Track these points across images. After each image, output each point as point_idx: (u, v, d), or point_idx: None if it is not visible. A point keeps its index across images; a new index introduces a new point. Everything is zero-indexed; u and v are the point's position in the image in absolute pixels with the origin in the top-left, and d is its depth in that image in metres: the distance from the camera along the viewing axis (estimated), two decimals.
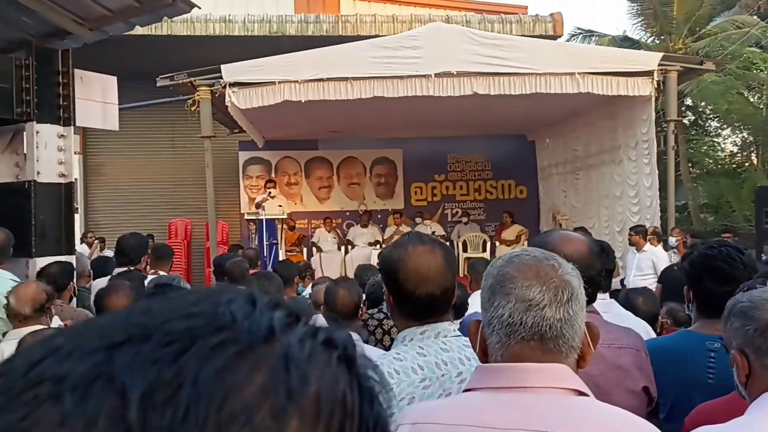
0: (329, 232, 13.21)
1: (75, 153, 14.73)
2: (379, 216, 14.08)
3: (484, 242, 13.20)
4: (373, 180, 14.56)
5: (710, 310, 2.05)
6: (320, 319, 0.44)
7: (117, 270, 4.15)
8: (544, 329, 1.12)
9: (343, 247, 12.82)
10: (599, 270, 1.95)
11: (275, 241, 9.94)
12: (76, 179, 14.73)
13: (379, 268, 1.76)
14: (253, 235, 10.81)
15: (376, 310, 3.23)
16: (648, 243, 8.53)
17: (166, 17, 4.27)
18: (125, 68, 11.47)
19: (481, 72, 8.80)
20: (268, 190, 11.46)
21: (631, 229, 9.08)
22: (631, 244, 8.68)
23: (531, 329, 1.13)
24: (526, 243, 12.65)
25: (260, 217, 10.32)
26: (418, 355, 1.59)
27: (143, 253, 4.32)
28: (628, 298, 3.19)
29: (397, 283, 1.64)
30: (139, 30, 11.99)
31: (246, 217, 11.20)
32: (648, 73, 9.04)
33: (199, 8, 4.15)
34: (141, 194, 14.78)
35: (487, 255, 12.52)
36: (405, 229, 13.13)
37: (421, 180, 14.59)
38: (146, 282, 3.71)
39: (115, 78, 4.72)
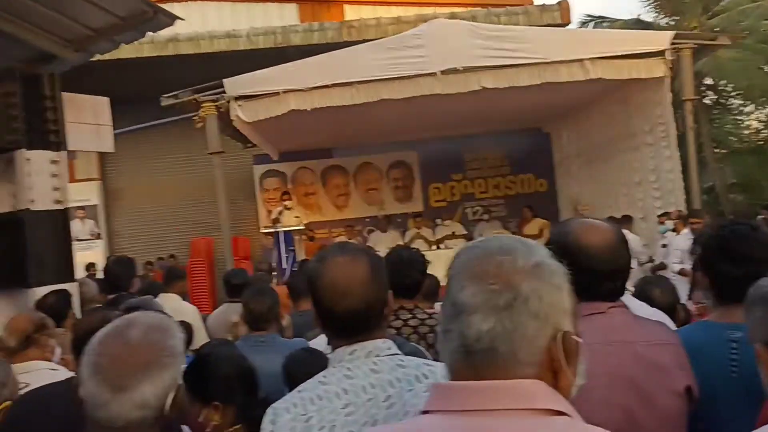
0: (350, 239, 13.08)
1: (94, 179, 14.89)
2: (398, 220, 13.90)
3: None
4: (391, 184, 14.42)
5: (729, 296, 1.85)
6: None
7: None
8: (470, 341, 0.93)
9: None
10: (628, 260, 1.76)
11: (292, 248, 9.83)
12: (96, 205, 14.94)
13: None
14: (271, 249, 10.72)
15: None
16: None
17: (149, 32, 4.16)
18: (135, 91, 11.57)
19: (487, 66, 8.60)
20: (284, 203, 11.39)
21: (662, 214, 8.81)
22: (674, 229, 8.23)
23: (457, 339, 0.94)
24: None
25: (277, 230, 10.24)
26: (344, 378, 1.44)
27: (131, 275, 4.22)
28: (644, 289, 2.98)
29: (317, 299, 1.50)
30: (145, 52, 12.15)
31: (262, 230, 11.11)
32: (660, 53, 8.76)
33: (182, 20, 4.05)
34: (162, 215, 14.82)
35: None
36: (426, 231, 12.96)
37: (439, 180, 14.41)
38: None
39: (107, 99, 4.63)
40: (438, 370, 1.46)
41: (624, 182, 11.03)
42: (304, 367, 2.21)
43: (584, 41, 9.05)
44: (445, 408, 0.94)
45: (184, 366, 1.36)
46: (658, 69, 8.80)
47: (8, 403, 2.24)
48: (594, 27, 20.10)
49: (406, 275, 2.99)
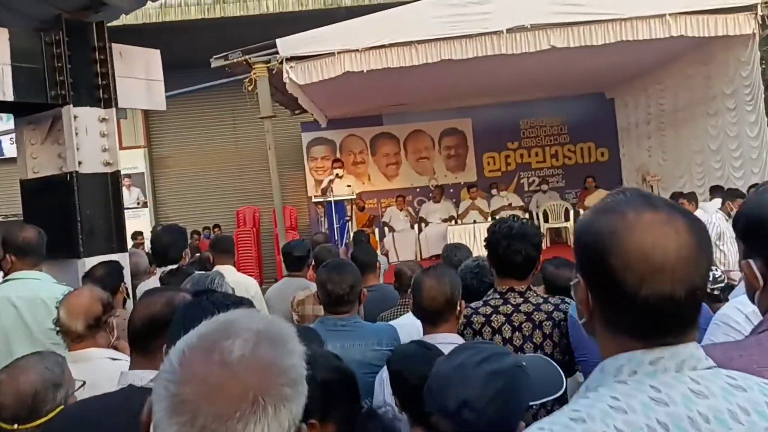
0: (401, 210, 12.63)
1: (140, 146, 14.66)
2: (451, 190, 13.41)
3: (566, 211, 12.33)
4: (443, 153, 13.88)
5: None
6: None
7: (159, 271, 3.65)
8: None
9: (416, 225, 12.20)
10: None
11: (347, 218, 9.40)
12: (142, 173, 14.73)
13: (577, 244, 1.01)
14: (322, 219, 10.33)
15: (481, 303, 2.59)
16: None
17: None
18: (181, 55, 11.21)
19: (558, 23, 7.98)
20: (335, 171, 10.97)
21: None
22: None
23: None
24: None
25: (328, 199, 9.82)
26: (653, 403, 0.90)
27: (182, 246, 3.80)
28: None
29: (607, 273, 0.94)
30: (192, 14, 11.74)
31: (314, 200, 10.71)
32: (750, 8, 8.00)
33: None
34: (207, 183, 14.57)
35: (570, 224, 11.71)
36: (480, 203, 12.42)
37: (494, 149, 13.82)
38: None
39: (158, 51, 4.19)
40: None
41: (697, 150, 10.35)
42: (419, 366, 1.75)
43: None
44: None
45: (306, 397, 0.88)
46: (746, 25, 8.06)
47: (60, 408, 1.81)
48: None
49: (517, 251, 2.51)
